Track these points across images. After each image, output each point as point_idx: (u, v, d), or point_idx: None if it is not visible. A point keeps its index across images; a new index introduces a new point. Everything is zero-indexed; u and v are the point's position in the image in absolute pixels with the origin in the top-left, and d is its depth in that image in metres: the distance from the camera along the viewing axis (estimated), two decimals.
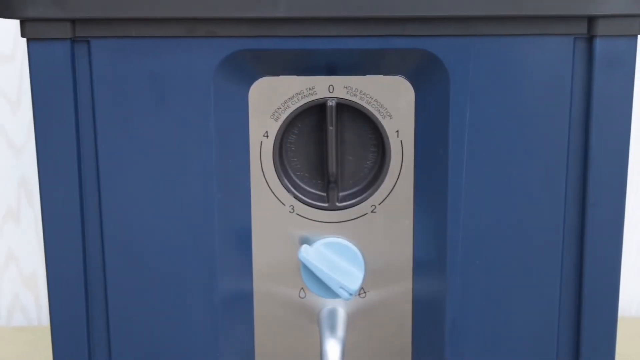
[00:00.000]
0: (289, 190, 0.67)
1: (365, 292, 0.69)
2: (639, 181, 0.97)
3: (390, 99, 0.65)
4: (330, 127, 0.65)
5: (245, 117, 0.65)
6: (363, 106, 0.65)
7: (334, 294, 0.66)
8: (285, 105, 0.65)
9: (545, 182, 0.65)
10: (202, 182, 0.65)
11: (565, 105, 0.63)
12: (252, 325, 0.69)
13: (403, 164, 0.66)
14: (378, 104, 0.65)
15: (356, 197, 0.67)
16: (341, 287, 0.66)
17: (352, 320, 0.69)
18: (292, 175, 0.67)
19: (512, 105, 0.63)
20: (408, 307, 0.69)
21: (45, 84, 0.63)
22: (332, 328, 0.67)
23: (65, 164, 0.64)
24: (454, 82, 0.63)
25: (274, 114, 0.65)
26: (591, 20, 0.62)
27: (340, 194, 0.67)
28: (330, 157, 0.65)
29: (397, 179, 0.66)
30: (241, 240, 0.67)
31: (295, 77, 0.64)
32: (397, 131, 0.65)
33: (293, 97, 0.65)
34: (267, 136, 0.66)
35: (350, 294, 0.66)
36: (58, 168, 0.64)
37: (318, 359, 0.67)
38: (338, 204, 0.67)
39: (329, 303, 0.69)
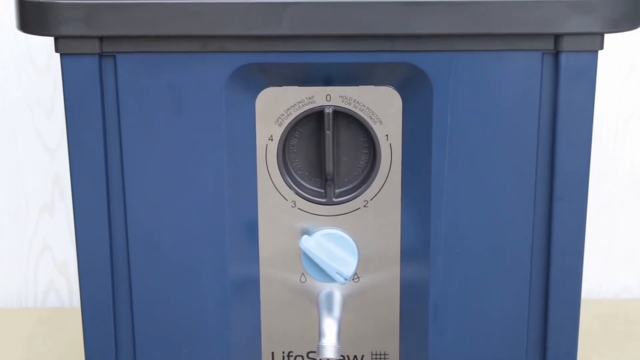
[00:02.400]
0: (291, 187, 0.67)
1: (358, 277, 0.69)
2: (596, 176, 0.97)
3: (381, 107, 0.65)
4: (328, 132, 0.65)
5: (253, 123, 0.65)
6: (356, 113, 0.65)
7: (331, 279, 0.67)
8: (288, 112, 0.65)
9: (517, 180, 0.65)
10: (215, 180, 0.65)
11: (534, 113, 0.63)
12: (259, 306, 0.69)
13: (392, 164, 0.66)
14: (370, 111, 0.65)
15: (350, 194, 0.67)
16: (337, 273, 0.66)
17: (347, 302, 0.69)
18: (294, 174, 0.67)
19: (488, 112, 0.64)
20: (396, 291, 0.69)
21: (76, 94, 0.63)
22: (330, 309, 0.67)
23: (93, 164, 0.64)
24: (437, 92, 0.63)
25: (277, 120, 0.65)
26: (557, 37, 0.62)
27: (337, 191, 0.67)
28: (328, 158, 0.65)
29: (387, 178, 0.66)
30: (249, 231, 0.67)
31: (296, 87, 0.65)
32: (387, 135, 0.66)
33: (295, 105, 0.65)
34: (271, 140, 0.66)
35: (346, 279, 0.67)
36: (87, 168, 0.64)
37: (317, 335, 0.68)
38: (334, 200, 0.67)
39: (327, 287, 0.69)
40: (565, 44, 0.62)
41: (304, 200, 0.67)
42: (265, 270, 0.68)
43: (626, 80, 0.95)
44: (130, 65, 0.63)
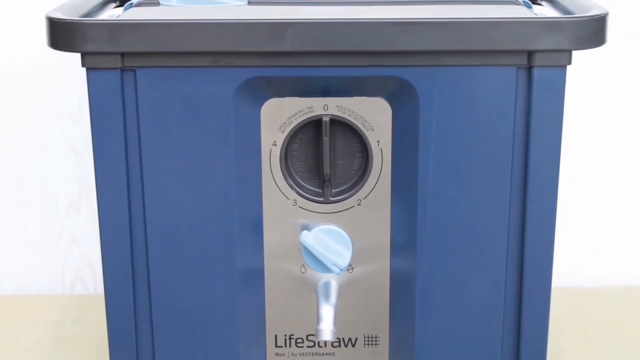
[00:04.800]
0: (292, 188, 0.67)
1: (352, 268, 0.69)
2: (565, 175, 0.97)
3: (373, 116, 0.65)
4: (325, 138, 0.65)
5: (258, 130, 0.65)
6: (351, 121, 0.65)
7: (328, 270, 0.67)
8: (290, 120, 0.65)
9: (495, 181, 0.65)
10: (224, 181, 0.65)
11: (510, 121, 0.63)
12: (263, 294, 0.69)
13: (382, 167, 0.66)
14: (363, 119, 0.65)
15: (345, 193, 0.67)
16: (334, 264, 0.66)
17: (343, 290, 0.69)
18: (295, 175, 0.67)
19: (468, 121, 0.63)
20: (386, 280, 0.69)
21: (100, 104, 0.63)
22: (327, 296, 0.67)
23: (116, 166, 0.64)
24: (423, 102, 0.63)
25: (280, 127, 0.65)
26: (530, 54, 0.62)
27: (333, 191, 0.67)
28: (325, 162, 0.65)
29: (378, 179, 0.66)
30: (255, 227, 0.67)
31: (297, 98, 0.65)
32: (378, 141, 0.66)
33: (296, 114, 0.65)
34: (275, 145, 0.66)
35: (341, 270, 0.67)
36: (110, 170, 0.64)
37: (315, 320, 0.67)
38: (331, 199, 0.67)
39: (324, 277, 0.69)
40: (537, 60, 0.61)
41: (304, 199, 0.67)
42: (269, 262, 0.68)
43: (592, 91, 0.95)
44: (149, 78, 0.62)
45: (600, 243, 1.01)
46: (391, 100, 0.64)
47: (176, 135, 0.64)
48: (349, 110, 0.65)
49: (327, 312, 0.66)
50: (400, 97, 0.64)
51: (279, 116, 0.65)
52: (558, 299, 0.86)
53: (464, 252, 0.66)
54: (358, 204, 0.67)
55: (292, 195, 0.67)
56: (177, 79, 0.62)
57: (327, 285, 0.68)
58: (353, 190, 0.67)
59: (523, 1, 0.70)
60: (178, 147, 0.64)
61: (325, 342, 0.70)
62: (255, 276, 0.68)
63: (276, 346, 0.70)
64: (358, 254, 0.68)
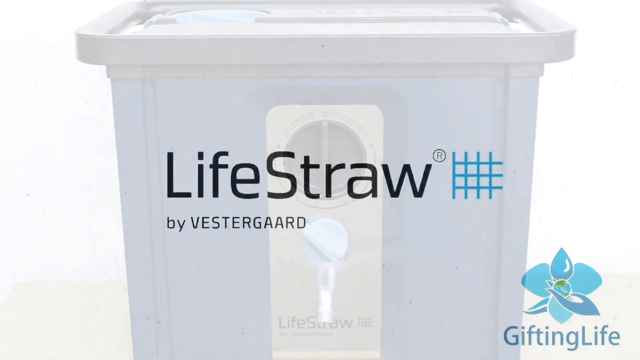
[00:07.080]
0: (294, 185, 0.67)
1: (348, 257, 0.69)
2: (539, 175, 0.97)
3: (366, 121, 0.65)
4: (324, 141, 0.65)
5: (264, 133, 0.65)
6: (347, 126, 0.65)
7: (326, 259, 0.67)
8: (292, 125, 0.65)
9: (475, 180, 0.65)
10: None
11: (488, 126, 0.64)
12: (269, 280, 0.69)
13: (375, 167, 0.66)
14: (357, 124, 0.65)
15: (342, 190, 0.67)
16: (332, 254, 0.67)
17: (340, 277, 0.69)
18: (297, 174, 0.67)
19: (452, 126, 0.64)
20: (378, 268, 0.69)
21: (123, 111, 0.63)
22: (325, 282, 0.68)
23: (137, 166, 0.65)
24: (411, 109, 0.63)
25: (284, 131, 0.66)
26: (507, 66, 0.62)
27: (331, 188, 0.67)
28: (324, 162, 0.66)
29: (371, 178, 0.67)
30: (261, 220, 0.67)
31: (299, 105, 0.65)
32: (371, 144, 0.66)
33: (298, 119, 0.65)
34: (279, 147, 0.66)
35: (338, 259, 0.67)
36: (132, 169, 0.65)
37: (315, 304, 0.68)
38: (329, 195, 0.67)
39: (323, 265, 0.69)
40: (513, 72, 0.62)
41: (305, 196, 0.67)
42: (274, 251, 0.68)
43: (563, 99, 0.96)
44: (167, 88, 0.63)
45: (569, 237, 1.01)
46: (383, 107, 0.65)
47: (190, 138, 0.64)
48: (345, 116, 0.65)
49: (325, 297, 0.66)
50: (391, 104, 0.64)
51: (283, 122, 0.65)
52: None
53: (448, 243, 0.66)
54: (353, 200, 0.67)
55: (295, 192, 0.67)
56: (192, 89, 0.63)
57: (325, 273, 0.68)
58: (349, 188, 0.67)
59: (500, 19, 0.70)
60: (192, 149, 0.64)
61: (324, 323, 0.71)
62: (262, 264, 0.69)
63: (280, 327, 0.71)
64: (353, 245, 0.68)
